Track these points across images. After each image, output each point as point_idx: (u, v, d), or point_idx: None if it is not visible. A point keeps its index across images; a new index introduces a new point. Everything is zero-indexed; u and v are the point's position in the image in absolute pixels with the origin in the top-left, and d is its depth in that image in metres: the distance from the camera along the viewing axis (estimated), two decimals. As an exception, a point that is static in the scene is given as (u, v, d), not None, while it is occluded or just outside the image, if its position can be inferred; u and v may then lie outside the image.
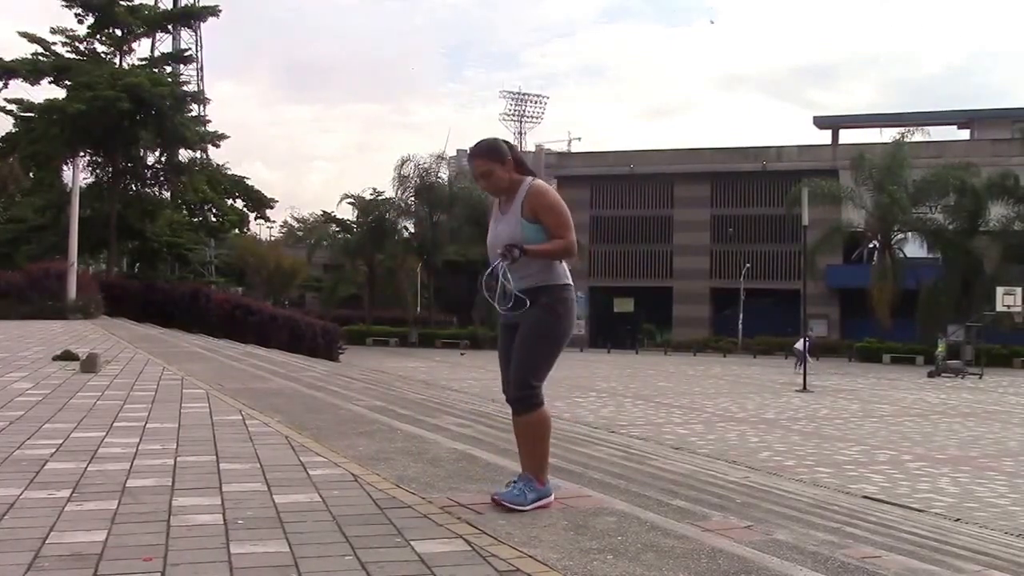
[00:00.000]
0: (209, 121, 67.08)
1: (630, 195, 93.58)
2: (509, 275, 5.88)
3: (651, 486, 8.44)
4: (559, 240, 5.99)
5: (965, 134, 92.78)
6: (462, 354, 62.01)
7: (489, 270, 5.92)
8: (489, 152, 6.11)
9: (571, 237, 6.00)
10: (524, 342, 6.02)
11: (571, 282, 6.22)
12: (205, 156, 66.32)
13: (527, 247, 5.86)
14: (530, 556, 4.78)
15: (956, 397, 41.37)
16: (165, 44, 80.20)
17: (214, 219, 66.27)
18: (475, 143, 6.24)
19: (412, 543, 5.02)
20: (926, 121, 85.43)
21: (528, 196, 6.02)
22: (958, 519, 15.02)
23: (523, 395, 6.00)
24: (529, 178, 6.11)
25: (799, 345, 54.14)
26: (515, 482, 6.05)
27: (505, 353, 6.22)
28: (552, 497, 6.08)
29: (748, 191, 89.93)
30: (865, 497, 16.32)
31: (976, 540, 11.44)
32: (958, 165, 71.04)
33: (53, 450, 7.82)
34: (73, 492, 6.23)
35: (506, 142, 6.24)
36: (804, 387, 41.95)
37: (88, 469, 7.06)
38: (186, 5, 65.13)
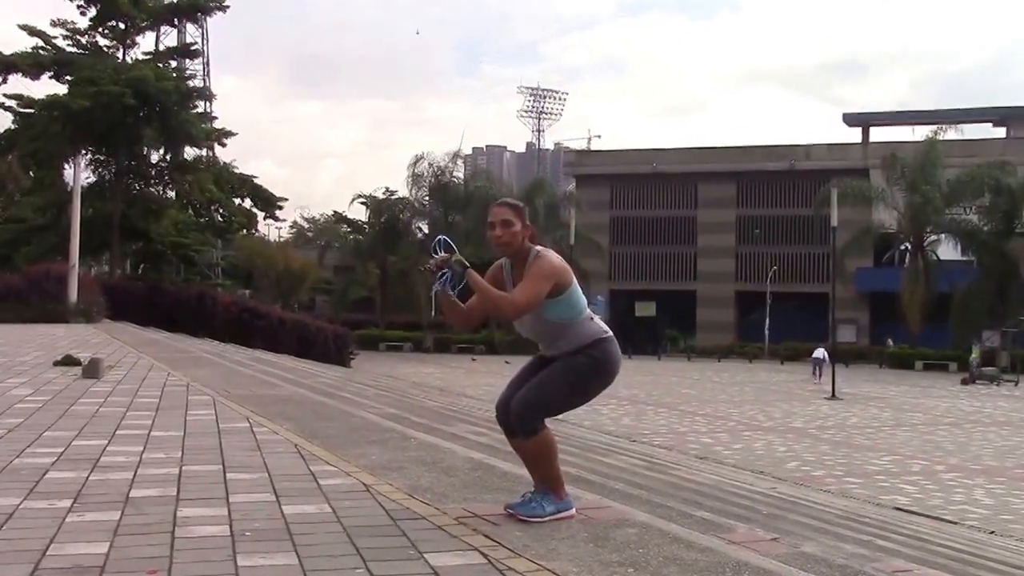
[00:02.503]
0: (215, 118, 67.32)
1: (652, 195, 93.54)
2: (450, 287, 5.91)
3: (674, 497, 8.44)
4: (513, 293, 6.00)
5: (1001, 132, 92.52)
6: (473, 359, 62.05)
7: (440, 275, 5.88)
8: (517, 208, 6.23)
9: (522, 299, 5.89)
10: (555, 374, 6.07)
11: (610, 334, 6.22)
12: (211, 154, 66.52)
13: (471, 273, 5.88)
14: (548, 569, 4.78)
15: (991, 405, 41.31)
16: (170, 38, 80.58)
17: (221, 219, 66.39)
18: (504, 198, 6.39)
19: (426, 556, 5.01)
20: (960, 119, 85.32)
21: (533, 261, 6.05)
22: (993, 532, 15.01)
23: (525, 417, 5.99)
24: (538, 247, 6.14)
25: (818, 353, 54.08)
26: (532, 494, 6.04)
27: (522, 376, 6.29)
28: (573, 510, 6.07)
29: (775, 191, 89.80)
30: (897, 509, 16.31)
31: (1012, 554, 11.43)
32: (993, 164, 70.94)
33: (54, 459, 7.83)
34: (74, 502, 6.24)
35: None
36: (833, 394, 41.91)
37: (90, 478, 7.06)
38: (192, -2, 65.23)
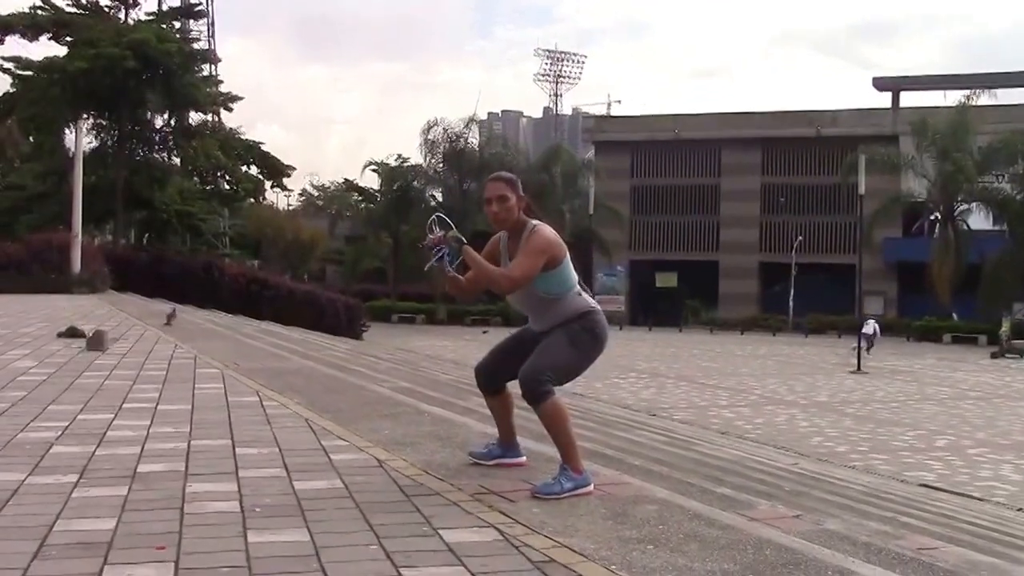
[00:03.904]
0: (221, 81, 67.26)
1: (674, 162, 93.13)
2: (448, 262, 6.16)
3: (695, 473, 8.48)
4: (509, 268, 6.37)
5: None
6: (485, 332, 62.03)
7: (437, 251, 6.15)
8: (511, 181, 6.52)
9: (518, 274, 6.25)
10: (554, 341, 6.41)
11: (598, 308, 6.61)
12: (217, 119, 66.35)
13: (467, 249, 6.21)
14: (566, 546, 4.82)
15: (1021, 379, 41.24)
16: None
17: (227, 187, 66.23)
18: (496, 173, 6.76)
19: (440, 532, 5.06)
20: (994, 83, 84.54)
21: (529, 236, 6.35)
22: (1021, 509, 15.03)
23: (535, 382, 6.22)
24: (534, 221, 6.44)
25: (868, 328, 53.73)
26: (559, 472, 6.19)
27: (507, 345, 6.84)
28: (591, 487, 6.19)
29: (801, 158, 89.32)
30: (922, 485, 16.34)
31: (1042, 532, 11.43)
32: (1028, 131, 70.38)
33: (59, 433, 7.89)
34: (80, 477, 6.31)
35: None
36: (858, 368, 41.88)
37: (96, 453, 7.13)
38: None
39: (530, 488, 6.08)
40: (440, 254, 6.12)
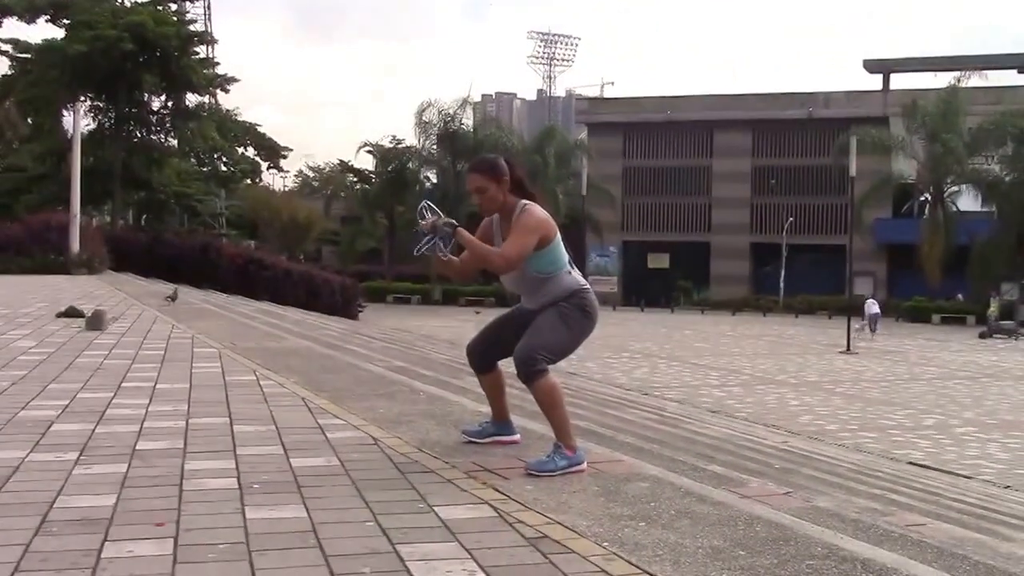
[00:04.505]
0: (218, 64, 67.09)
1: (666, 144, 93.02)
2: (442, 245, 6.23)
3: (686, 451, 8.50)
4: (503, 248, 6.38)
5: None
6: (478, 312, 61.97)
7: (427, 239, 6.23)
8: (487, 170, 6.46)
9: (513, 253, 6.26)
10: (546, 320, 6.42)
11: (588, 286, 6.62)
12: (214, 101, 66.37)
13: (460, 231, 6.23)
14: (559, 523, 4.85)
15: (1009, 359, 41.35)
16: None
17: (224, 168, 66.41)
18: (476, 158, 6.82)
19: (436, 509, 5.09)
20: (984, 65, 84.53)
21: (519, 215, 6.36)
22: (1008, 486, 15.06)
23: (529, 361, 6.25)
24: (524, 201, 6.42)
25: (875, 308, 53.93)
26: (550, 453, 6.23)
27: (499, 325, 6.89)
28: (584, 464, 6.22)
29: (792, 140, 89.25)
30: (910, 463, 16.37)
31: (1028, 509, 11.47)
32: (1017, 112, 70.22)
33: (59, 411, 7.92)
34: (81, 455, 6.33)
35: (508, 161, 6.57)
36: (848, 348, 41.95)
37: (96, 431, 7.15)
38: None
39: (523, 465, 6.13)
40: (432, 241, 6.19)
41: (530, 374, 6.23)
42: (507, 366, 6.50)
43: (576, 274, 6.58)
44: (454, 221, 6.26)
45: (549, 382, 6.27)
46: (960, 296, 71.40)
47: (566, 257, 6.53)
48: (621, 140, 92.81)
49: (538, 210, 6.36)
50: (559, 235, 6.45)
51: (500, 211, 6.49)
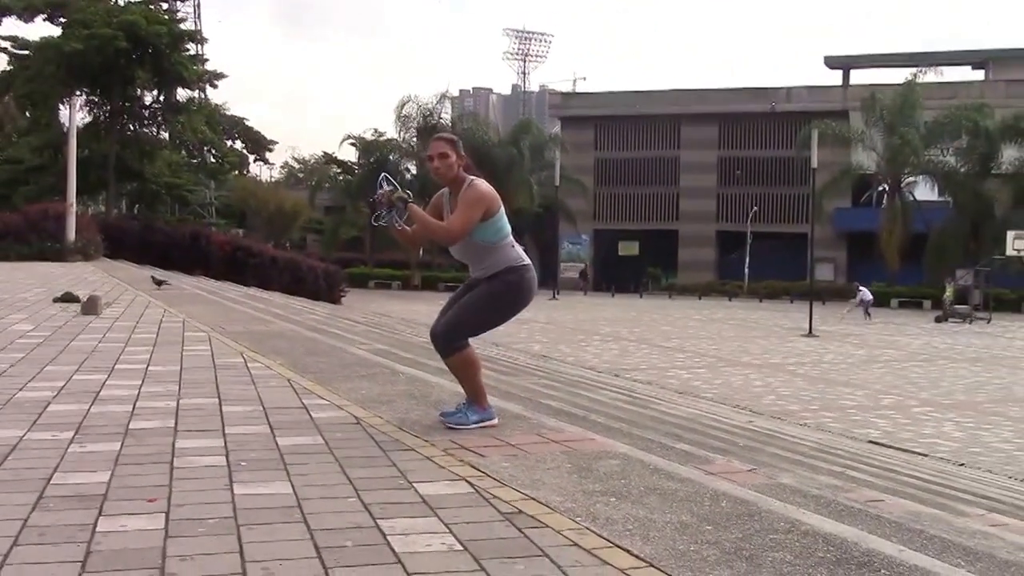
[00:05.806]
0: (207, 60, 67.00)
1: (636, 136, 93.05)
2: (396, 217, 6.64)
3: (655, 430, 8.51)
4: (448, 222, 6.75)
5: (980, 75, 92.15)
6: None
7: (386, 212, 6.67)
8: (452, 141, 6.88)
9: (457, 226, 6.63)
10: (474, 298, 6.81)
11: (528, 262, 6.93)
12: (203, 96, 66.21)
13: (412, 207, 6.64)
14: (533, 498, 4.86)
15: (963, 342, 41.49)
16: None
17: (213, 160, 66.27)
18: (442, 131, 7.18)
19: (416, 485, 5.09)
20: (940, 61, 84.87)
21: (466, 190, 6.68)
22: (962, 464, 15.14)
23: (448, 336, 6.74)
24: (471, 177, 6.77)
25: (868, 295, 54.46)
26: (461, 405, 6.78)
27: (451, 303, 6.99)
28: (495, 420, 6.79)
29: (756, 132, 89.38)
30: (869, 442, 16.44)
31: (980, 484, 11.54)
32: (971, 106, 70.58)
33: (55, 392, 7.91)
34: (76, 434, 6.32)
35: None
36: (810, 332, 42.05)
37: (91, 411, 7.14)
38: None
39: (443, 419, 6.70)
40: (390, 213, 6.58)
41: (447, 350, 6.70)
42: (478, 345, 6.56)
43: (519, 250, 6.88)
44: (407, 196, 6.60)
45: (464, 356, 6.72)
46: (947, 284, 71.37)
47: (508, 229, 6.84)
48: (593, 133, 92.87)
49: (483, 185, 6.70)
50: (503, 208, 6.77)
51: (452, 183, 6.76)
